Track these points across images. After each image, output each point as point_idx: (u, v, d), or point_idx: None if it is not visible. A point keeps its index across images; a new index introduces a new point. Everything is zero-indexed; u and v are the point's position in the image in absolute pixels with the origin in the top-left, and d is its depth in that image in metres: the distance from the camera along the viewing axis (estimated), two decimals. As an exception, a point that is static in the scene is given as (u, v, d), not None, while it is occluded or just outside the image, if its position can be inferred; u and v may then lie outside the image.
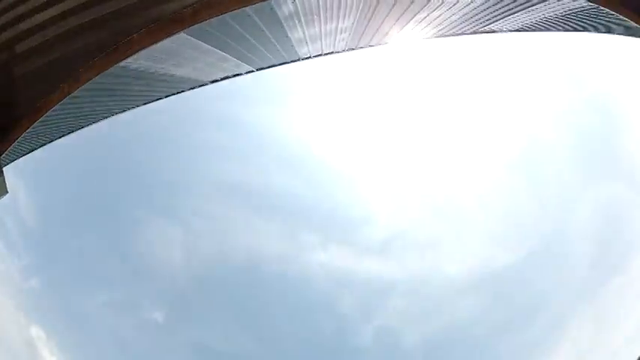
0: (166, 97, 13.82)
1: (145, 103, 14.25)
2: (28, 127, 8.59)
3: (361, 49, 14.70)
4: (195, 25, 8.54)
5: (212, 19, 8.31)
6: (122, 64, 8.13)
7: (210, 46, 10.19)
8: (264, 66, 15.41)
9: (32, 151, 11.26)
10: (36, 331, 34.40)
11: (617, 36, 9.21)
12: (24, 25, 7.86)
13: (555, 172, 41.60)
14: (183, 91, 14.19)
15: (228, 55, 11.62)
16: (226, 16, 9.53)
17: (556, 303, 40.20)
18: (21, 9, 8.96)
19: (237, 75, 14.33)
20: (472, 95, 40.38)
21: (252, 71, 15.67)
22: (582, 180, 42.09)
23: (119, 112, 13.72)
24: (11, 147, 9.31)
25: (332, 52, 14.42)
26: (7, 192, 10.74)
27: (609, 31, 9.52)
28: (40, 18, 8.51)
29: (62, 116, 10.86)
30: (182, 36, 8.56)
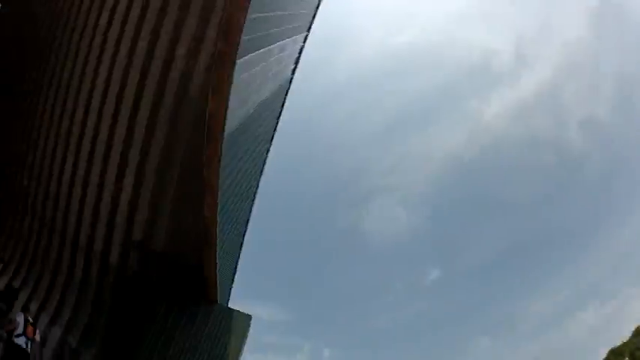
0: (278, 119, 14.20)
1: (270, 141, 14.89)
2: (216, 265, 9.46)
3: None
4: (236, 46, 8.43)
5: (242, 25, 8.10)
6: (223, 135, 8.45)
7: (263, 49, 10.01)
8: (310, 21, 14.71)
9: (235, 272, 12.42)
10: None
11: None
12: (132, 225, 8.66)
13: None
14: (284, 104, 14.42)
15: (280, 41, 11.31)
16: (247, 18, 9.24)
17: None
18: (124, 208, 9.90)
19: (302, 49, 13.99)
20: None
21: (307, 35, 15.12)
22: None
23: (260, 175, 14.61)
24: (219, 295, 10.30)
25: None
26: (249, 326, 11.80)
27: None
28: (141, 204, 9.26)
29: (228, 229, 11.81)
30: (239, 63, 8.54)
